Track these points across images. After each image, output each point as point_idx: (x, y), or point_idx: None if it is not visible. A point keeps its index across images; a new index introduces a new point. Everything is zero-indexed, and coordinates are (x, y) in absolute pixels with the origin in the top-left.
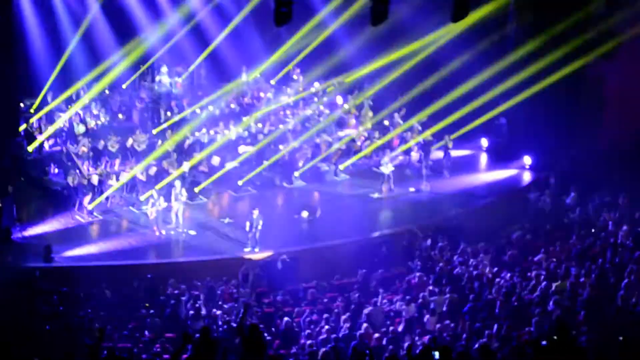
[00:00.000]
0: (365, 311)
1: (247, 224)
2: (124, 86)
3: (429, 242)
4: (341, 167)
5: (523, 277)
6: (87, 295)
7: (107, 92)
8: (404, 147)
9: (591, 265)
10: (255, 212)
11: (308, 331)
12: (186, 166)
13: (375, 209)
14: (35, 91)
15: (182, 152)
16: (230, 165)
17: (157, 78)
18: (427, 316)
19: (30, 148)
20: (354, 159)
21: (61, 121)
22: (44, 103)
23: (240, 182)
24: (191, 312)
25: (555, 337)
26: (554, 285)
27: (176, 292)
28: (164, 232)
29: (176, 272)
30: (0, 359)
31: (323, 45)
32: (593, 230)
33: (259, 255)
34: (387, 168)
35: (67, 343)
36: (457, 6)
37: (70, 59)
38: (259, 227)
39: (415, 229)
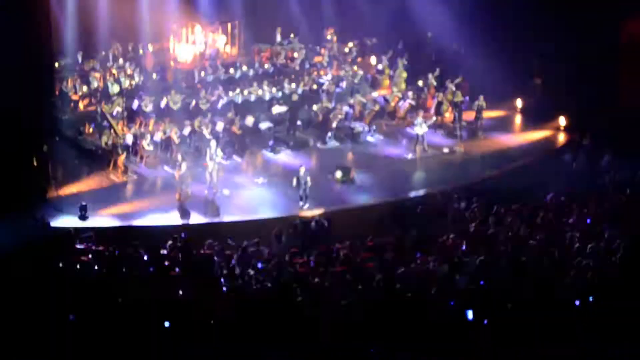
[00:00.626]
0: (399, 271)
1: (294, 180)
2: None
3: (462, 203)
4: (375, 127)
5: (557, 238)
6: (122, 255)
7: (141, 51)
8: (436, 107)
9: (625, 227)
10: (302, 169)
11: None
12: (220, 126)
13: (409, 170)
14: (70, 51)
15: (216, 112)
16: (264, 126)
17: (191, 37)
18: (458, 276)
19: (65, 107)
20: (387, 119)
21: (95, 81)
22: (77, 63)
23: (273, 142)
24: (225, 271)
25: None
26: (588, 246)
27: (209, 252)
28: (189, 192)
29: (210, 232)
30: (36, 313)
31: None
32: (628, 192)
33: (309, 212)
34: (420, 128)
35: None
36: None
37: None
38: (308, 184)
39: (449, 190)
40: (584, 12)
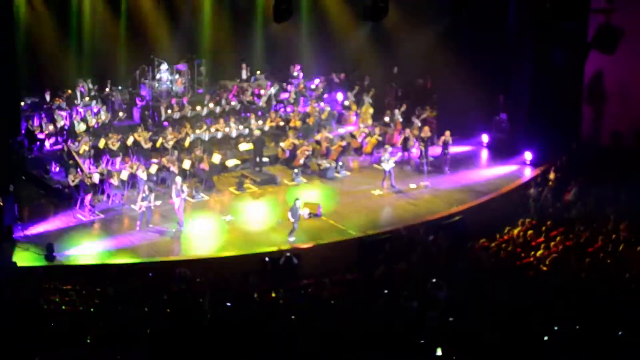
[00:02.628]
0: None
1: (289, 214)
2: (123, 84)
3: (429, 238)
4: (341, 163)
5: (524, 273)
6: (90, 293)
7: (107, 90)
8: (403, 143)
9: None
10: (298, 202)
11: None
12: (187, 164)
13: (377, 206)
14: (36, 90)
15: (183, 149)
16: (231, 163)
17: (157, 76)
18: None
19: (31, 147)
20: (354, 155)
21: (61, 119)
22: (43, 102)
23: (240, 180)
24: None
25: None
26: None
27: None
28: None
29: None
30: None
31: (324, 41)
32: (594, 225)
33: (299, 245)
34: (387, 164)
35: (70, 340)
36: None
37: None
38: (301, 217)
39: (416, 225)
40: (549, 50)
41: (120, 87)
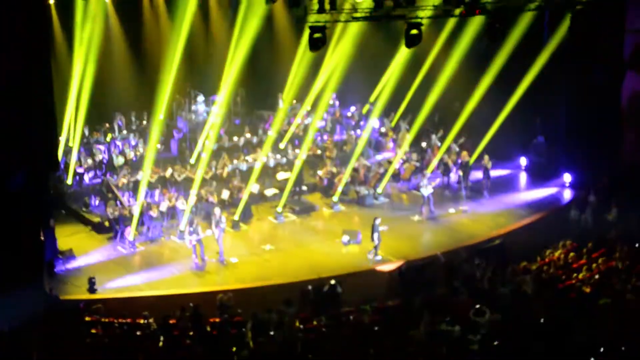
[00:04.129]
0: (410, 333)
1: (375, 235)
2: (161, 116)
3: (470, 263)
4: (380, 190)
5: (566, 295)
6: (132, 326)
7: (144, 123)
8: (441, 168)
9: (635, 280)
10: (378, 220)
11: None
12: (226, 194)
13: (416, 232)
14: (74, 124)
15: (222, 179)
16: (269, 192)
17: (194, 107)
18: (470, 336)
19: (70, 181)
20: (392, 181)
21: (99, 153)
22: (82, 136)
23: (279, 208)
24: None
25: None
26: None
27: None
28: (201, 260)
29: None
30: None
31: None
32: (637, 245)
33: (387, 265)
34: (426, 190)
35: None
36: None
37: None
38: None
39: (457, 250)
40: (586, 71)
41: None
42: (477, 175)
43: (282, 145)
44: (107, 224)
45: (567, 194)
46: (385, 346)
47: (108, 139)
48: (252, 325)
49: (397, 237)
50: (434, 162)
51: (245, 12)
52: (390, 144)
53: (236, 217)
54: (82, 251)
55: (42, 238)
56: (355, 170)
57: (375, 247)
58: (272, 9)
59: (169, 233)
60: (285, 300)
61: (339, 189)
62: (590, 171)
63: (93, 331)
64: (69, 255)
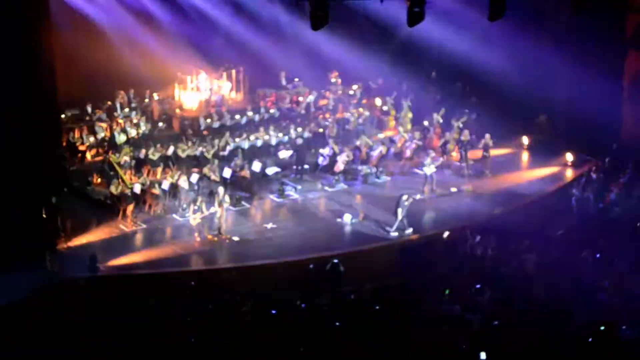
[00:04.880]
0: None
1: (399, 210)
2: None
3: (473, 241)
4: (382, 169)
5: (569, 274)
6: (133, 304)
7: (147, 100)
8: (443, 147)
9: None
10: (405, 197)
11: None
12: (228, 172)
13: (418, 211)
14: (76, 102)
15: (223, 158)
16: (271, 171)
17: (196, 84)
18: (470, 316)
19: (72, 159)
20: (394, 160)
21: (102, 131)
22: (84, 114)
23: (280, 187)
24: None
25: (601, 334)
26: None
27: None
28: (209, 237)
29: (221, 278)
30: None
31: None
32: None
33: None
34: (428, 169)
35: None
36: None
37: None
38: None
39: (459, 228)
40: (588, 49)
41: (159, 98)
42: (479, 154)
43: (284, 124)
44: (109, 202)
45: (569, 173)
46: (386, 325)
47: (110, 115)
48: (253, 304)
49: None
50: (436, 141)
51: None
52: (393, 123)
53: (238, 195)
54: (84, 229)
55: (44, 216)
56: (357, 148)
57: (399, 222)
58: None
59: (171, 211)
60: (287, 279)
61: (341, 167)
62: (591, 150)
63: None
64: (71, 233)
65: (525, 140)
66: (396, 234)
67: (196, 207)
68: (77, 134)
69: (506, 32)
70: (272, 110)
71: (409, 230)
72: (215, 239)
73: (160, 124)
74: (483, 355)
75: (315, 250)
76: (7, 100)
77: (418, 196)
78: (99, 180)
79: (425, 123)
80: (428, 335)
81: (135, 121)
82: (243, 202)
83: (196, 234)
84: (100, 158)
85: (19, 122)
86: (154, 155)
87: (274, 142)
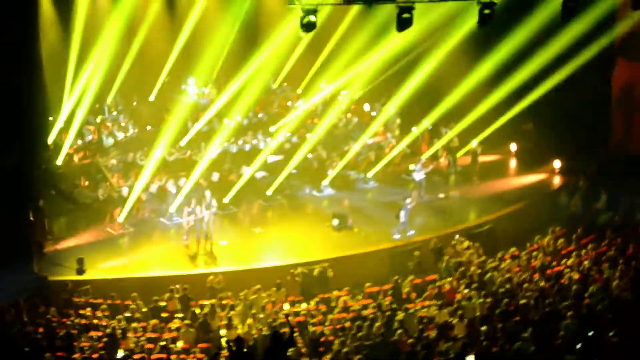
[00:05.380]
0: (399, 317)
1: (402, 213)
2: (152, 98)
3: (461, 246)
4: (370, 174)
5: (555, 281)
6: (120, 307)
7: (135, 104)
8: (432, 153)
9: (625, 267)
10: (408, 200)
11: (342, 338)
12: (216, 176)
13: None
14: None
15: (212, 162)
16: (259, 175)
17: (185, 89)
18: (455, 321)
19: (59, 161)
20: (382, 166)
21: (89, 134)
22: (72, 117)
23: (269, 192)
24: (224, 322)
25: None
26: (587, 288)
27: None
28: (195, 242)
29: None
30: None
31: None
32: (625, 232)
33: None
34: (418, 175)
35: (100, 354)
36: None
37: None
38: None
39: (447, 234)
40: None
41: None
42: (467, 160)
43: (272, 129)
44: (96, 205)
45: (557, 180)
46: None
47: (98, 119)
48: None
49: (386, 221)
50: (424, 147)
51: None
52: (381, 128)
53: (226, 200)
54: (71, 232)
55: (31, 218)
56: (345, 154)
57: (401, 225)
58: None
59: (158, 215)
60: (275, 284)
61: (329, 172)
62: (579, 157)
63: (81, 312)
64: (58, 236)
65: (513, 147)
66: (399, 236)
67: (190, 209)
68: (64, 137)
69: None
70: (260, 115)
71: (411, 233)
72: (203, 243)
73: (148, 127)
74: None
75: (303, 255)
76: None
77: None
78: (87, 183)
79: (414, 129)
80: (417, 340)
81: (123, 124)
82: (231, 207)
83: (185, 237)
84: (87, 161)
85: (6, 125)
86: (141, 158)
87: (262, 146)
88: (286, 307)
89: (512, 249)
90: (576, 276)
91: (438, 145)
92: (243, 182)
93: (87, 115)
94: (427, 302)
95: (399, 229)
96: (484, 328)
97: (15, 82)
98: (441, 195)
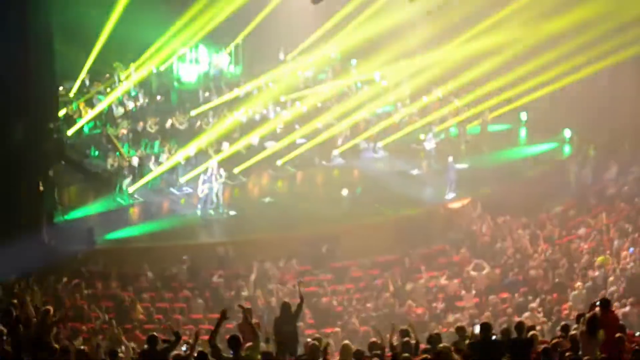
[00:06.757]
0: (408, 288)
1: (450, 172)
2: (162, 68)
3: (470, 217)
4: (380, 144)
5: (564, 251)
6: (130, 277)
7: (145, 73)
8: (442, 123)
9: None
10: (451, 158)
11: (350, 309)
12: (225, 146)
13: (416, 186)
14: (74, 75)
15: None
16: (269, 144)
17: (196, 59)
18: (464, 292)
19: (69, 131)
20: (392, 136)
21: (100, 104)
22: (82, 86)
23: (279, 162)
24: (232, 292)
25: (597, 312)
26: (596, 259)
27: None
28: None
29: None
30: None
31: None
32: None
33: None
34: (429, 143)
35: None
36: None
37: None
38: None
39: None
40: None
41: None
42: (477, 129)
43: (282, 98)
44: (106, 175)
45: (567, 150)
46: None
47: (108, 89)
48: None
49: (398, 191)
50: (435, 116)
51: None
52: (392, 97)
53: (235, 170)
54: (81, 202)
55: (41, 189)
56: (355, 123)
57: (450, 185)
58: None
59: (168, 185)
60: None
61: (339, 141)
62: (591, 127)
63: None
64: (68, 206)
65: (523, 116)
66: (453, 194)
67: (205, 177)
68: (74, 107)
69: None
70: (270, 85)
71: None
72: (212, 212)
73: (158, 97)
74: (477, 328)
75: (314, 226)
76: (2, 73)
77: (416, 171)
78: (97, 153)
79: (425, 98)
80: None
81: (133, 94)
82: (240, 176)
83: (199, 205)
84: (97, 131)
85: (15, 95)
86: (151, 128)
87: (272, 115)
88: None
89: (523, 219)
90: (586, 246)
91: (448, 114)
92: (252, 152)
93: (97, 85)
94: (435, 273)
95: (451, 187)
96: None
97: (23, 53)
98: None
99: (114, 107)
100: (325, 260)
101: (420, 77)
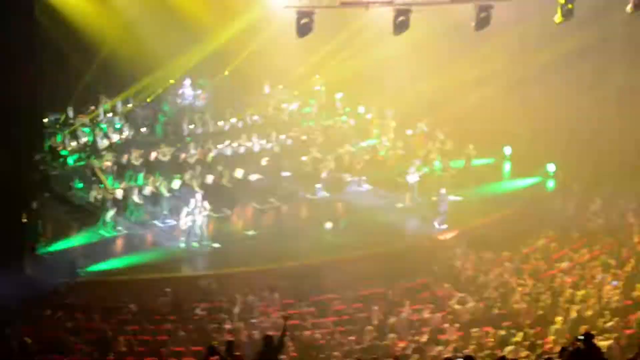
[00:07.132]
0: (391, 321)
1: (441, 204)
2: (147, 100)
3: (453, 251)
4: (364, 177)
5: (547, 285)
6: (112, 310)
7: (129, 106)
8: (427, 156)
9: (617, 272)
10: (444, 190)
11: (333, 342)
12: (210, 179)
13: (399, 219)
14: (59, 107)
15: (206, 165)
16: (253, 177)
17: (180, 91)
18: (447, 325)
19: (54, 163)
20: (377, 169)
21: (85, 136)
22: (66, 118)
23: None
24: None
25: (580, 346)
26: (578, 293)
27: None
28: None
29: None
30: None
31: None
32: (619, 237)
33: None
34: (412, 177)
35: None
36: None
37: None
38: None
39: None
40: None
41: (142, 103)
42: (461, 163)
43: (267, 131)
44: (90, 207)
45: (551, 184)
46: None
47: (93, 120)
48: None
49: (380, 224)
50: (420, 150)
51: None
52: (376, 131)
53: (220, 203)
54: (64, 234)
55: (25, 220)
56: (339, 156)
57: (440, 217)
58: None
59: (151, 218)
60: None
61: (323, 175)
62: (574, 161)
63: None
64: (52, 238)
65: (507, 150)
66: (445, 226)
67: (189, 210)
68: (59, 139)
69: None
70: (255, 117)
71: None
72: (196, 245)
73: (143, 129)
74: None
75: (295, 258)
76: None
77: (400, 205)
78: (81, 185)
79: (409, 132)
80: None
81: (117, 126)
82: (224, 209)
83: (182, 238)
84: (82, 163)
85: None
86: (136, 160)
87: (256, 148)
88: None
89: (506, 253)
90: (569, 280)
91: (432, 147)
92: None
93: (81, 117)
94: (419, 306)
95: (442, 219)
96: (475, 331)
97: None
98: (434, 199)
99: (98, 139)
100: (309, 294)
101: (405, 110)
